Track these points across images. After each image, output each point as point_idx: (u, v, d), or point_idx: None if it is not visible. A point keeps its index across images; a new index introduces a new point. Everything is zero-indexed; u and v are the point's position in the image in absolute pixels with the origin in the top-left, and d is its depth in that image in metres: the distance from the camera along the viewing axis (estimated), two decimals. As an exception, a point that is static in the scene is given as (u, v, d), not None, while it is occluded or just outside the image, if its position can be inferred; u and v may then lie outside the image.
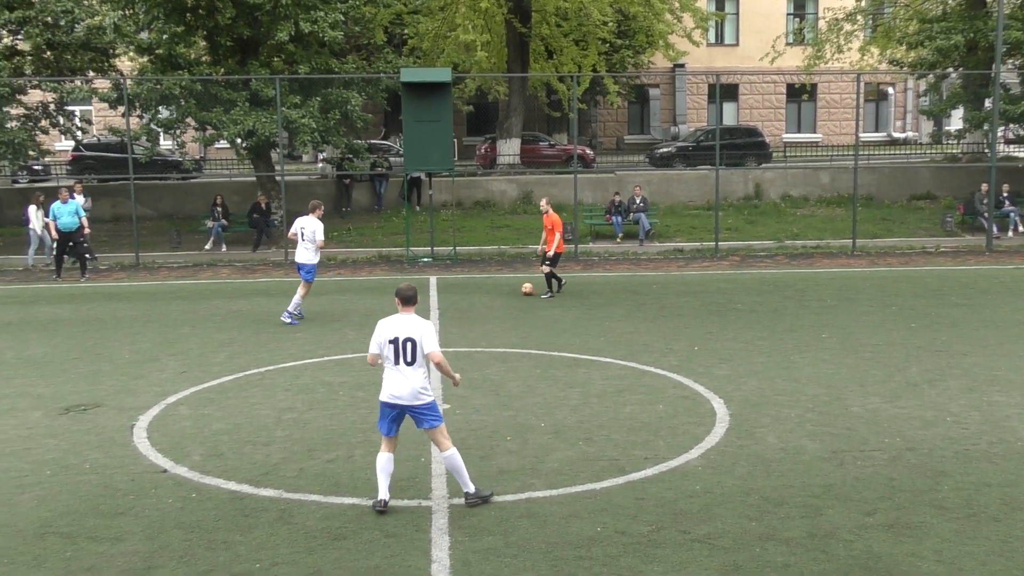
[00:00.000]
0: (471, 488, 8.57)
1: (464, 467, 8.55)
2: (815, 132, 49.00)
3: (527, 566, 7.38)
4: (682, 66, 46.75)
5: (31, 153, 28.87)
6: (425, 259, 24.69)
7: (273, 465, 9.65)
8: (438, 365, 8.50)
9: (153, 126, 27.18)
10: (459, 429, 10.64)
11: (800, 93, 45.45)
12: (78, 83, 28.33)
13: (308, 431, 10.77)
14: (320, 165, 36.54)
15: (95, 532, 8.11)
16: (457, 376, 8.85)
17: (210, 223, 27.23)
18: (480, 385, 12.54)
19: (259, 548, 7.74)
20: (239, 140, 26.60)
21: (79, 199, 24.11)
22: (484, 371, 13.27)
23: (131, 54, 28.63)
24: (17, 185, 34.11)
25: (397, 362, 8.41)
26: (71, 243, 22.56)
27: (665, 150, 38.15)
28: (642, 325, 16.44)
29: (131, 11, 26.69)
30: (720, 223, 26.47)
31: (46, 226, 23.53)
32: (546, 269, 19.25)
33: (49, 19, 27.15)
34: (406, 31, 33.80)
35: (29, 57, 28.82)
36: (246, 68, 26.77)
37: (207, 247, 26.88)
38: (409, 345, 8.40)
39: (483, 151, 38.14)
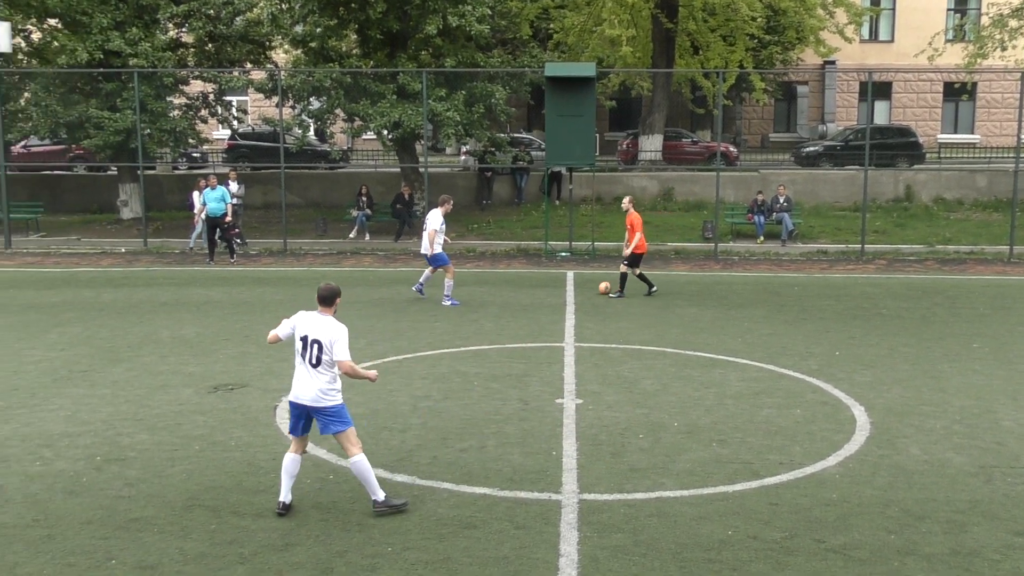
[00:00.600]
0: (379, 496, 8.27)
1: (372, 474, 8.26)
2: (973, 133, 46.95)
3: (655, 566, 7.33)
4: (832, 63, 45.41)
5: (191, 141, 30.20)
6: (563, 254, 24.74)
7: (408, 451, 9.85)
8: (347, 374, 8.25)
9: (304, 116, 28.02)
10: (591, 425, 10.65)
11: (959, 92, 43.59)
12: (236, 74, 29.45)
13: (442, 420, 10.94)
14: (463, 158, 37.02)
15: (238, 507, 8.44)
16: (372, 373, 8.67)
17: (355, 212, 27.91)
18: (613, 382, 12.51)
19: (391, 532, 7.92)
20: (385, 132, 27.17)
21: (233, 186, 25.05)
22: (618, 368, 13.23)
23: (286, 46, 29.60)
24: (177, 172, 35.73)
25: (302, 360, 8.24)
26: (218, 228, 23.47)
27: (812, 149, 37.19)
28: (781, 327, 16.10)
29: (287, 4, 27.57)
30: (867, 225, 25.66)
31: (199, 211, 24.56)
32: (624, 268, 18.92)
33: (211, 12, 28.31)
34: (552, 25, 33.91)
35: (192, 49, 30.16)
36: (394, 61, 27.33)
37: (351, 235, 27.57)
38: (315, 347, 8.16)
39: (625, 147, 37.94)
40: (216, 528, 8.01)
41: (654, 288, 18.80)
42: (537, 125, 41.35)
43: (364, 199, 27.87)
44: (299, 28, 27.99)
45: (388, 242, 26.82)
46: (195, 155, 37.48)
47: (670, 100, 36.33)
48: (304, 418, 8.35)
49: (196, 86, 31.61)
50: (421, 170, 28.06)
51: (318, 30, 27.27)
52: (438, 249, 17.82)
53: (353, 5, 26.69)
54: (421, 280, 18.44)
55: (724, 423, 10.82)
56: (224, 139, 38.65)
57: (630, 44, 31.18)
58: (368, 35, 27.40)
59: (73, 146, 33.28)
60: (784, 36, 38.34)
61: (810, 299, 18.78)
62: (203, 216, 23.56)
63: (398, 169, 30.95)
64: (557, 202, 30.78)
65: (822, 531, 7.96)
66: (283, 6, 27.51)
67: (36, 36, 30.41)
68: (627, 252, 18.65)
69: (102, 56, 27.04)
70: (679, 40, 34.47)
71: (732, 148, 38.06)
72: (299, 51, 28.84)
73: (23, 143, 35.91)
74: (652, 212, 30.25)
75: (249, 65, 30.41)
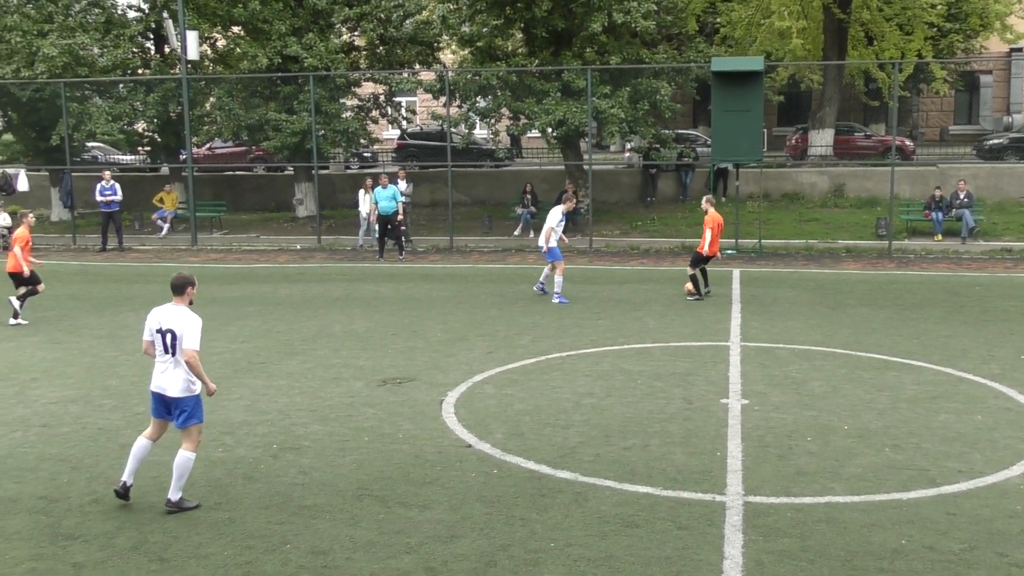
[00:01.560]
0: (175, 496, 8.36)
1: (186, 476, 8.36)
2: None
3: (824, 573, 7.13)
4: (1020, 50, 42.99)
5: (362, 141, 31.16)
6: (729, 251, 24.32)
7: (571, 448, 9.89)
8: (188, 363, 8.23)
9: (472, 114, 28.49)
10: (757, 426, 10.44)
11: None
12: (405, 75, 30.19)
13: (605, 417, 10.94)
14: (627, 155, 36.87)
15: (405, 498, 8.66)
16: (212, 385, 8.57)
17: (519, 210, 28.18)
18: (781, 383, 12.22)
19: (554, 528, 7.97)
20: (550, 130, 27.33)
21: (402, 185, 25.71)
22: (785, 368, 12.92)
23: (453, 47, 30.17)
24: (349, 171, 36.92)
25: (164, 352, 8.33)
26: (389, 225, 24.10)
27: (996, 142, 35.34)
28: (961, 329, 15.37)
29: (456, 5, 28.09)
30: (1057, 222, 24.20)
31: (371, 210, 25.31)
32: (690, 270, 18.23)
33: (382, 15, 29.13)
34: (719, 19, 33.36)
35: (364, 52, 31.13)
36: (559, 59, 27.45)
37: (516, 233, 27.85)
38: (169, 337, 8.27)
39: (794, 141, 36.96)
40: (384, 517, 8.25)
41: (708, 291, 18.28)
42: (703, 121, 40.77)
43: (528, 197, 28.11)
44: (466, 28, 28.47)
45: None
46: (366, 155, 38.67)
47: (842, 93, 35.13)
48: (163, 404, 8.50)
49: (367, 88, 32.59)
50: (585, 168, 28.10)
51: (484, 29, 27.66)
52: (553, 244, 17.97)
53: (519, 4, 26.95)
54: (541, 279, 18.69)
55: (898, 428, 10.42)
56: (394, 139, 39.70)
57: (800, 36, 30.33)
58: (533, 33, 27.62)
59: (253, 147, 34.86)
60: (967, 23, 36.49)
61: (992, 300, 17.86)
62: (375, 214, 24.26)
63: (562, 167, 31.09)
64: (723, 199, 30.27)
65: (1005, 544, 7.56)
66: (451, 7, 28.04)
67: (221, 43, 32.04)
68: (704, 251, 17.90)
69: (280, 61, 28.22)
70: (852, 30, 33.30)
71: (908, 142, 36.54)
72: (466, 51, 29.34)
73: (208, 145, 37.87)
74: (822, 209, 29.41)
75: (418, 66, 31.14)
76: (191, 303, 8.57)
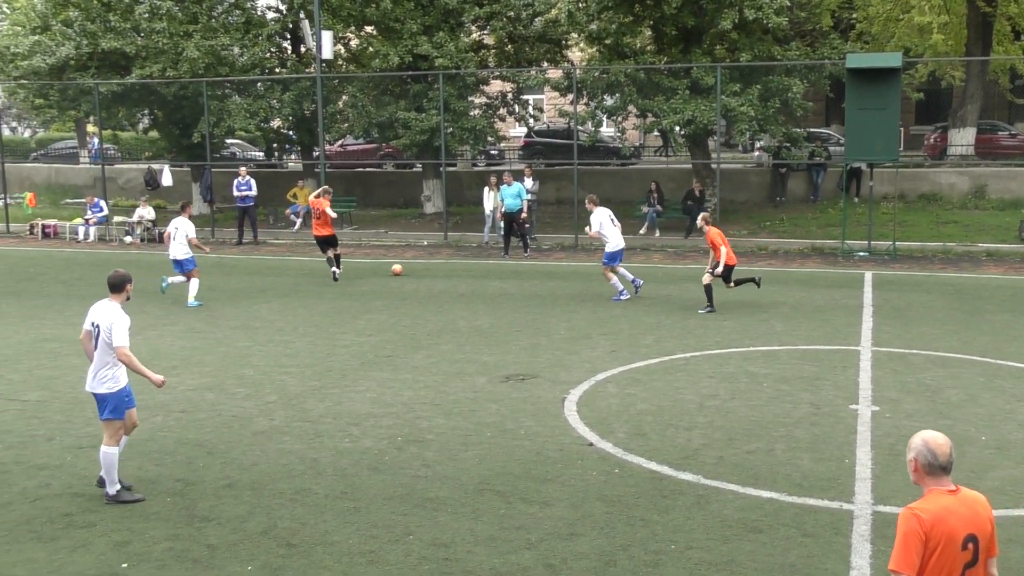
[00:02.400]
0: (111, 491, 8.50)
1: (115, 469, 8.47)
2: None
3: (956, 588, 6.88)
4: None
5: (489, 139, 31.44)
6: (861, 253, 23.65)
7: (693, 450, 9.79)
8: (121, 360, 8.33)
9: (599, 112, 28.42)
10: (887, 434, 10.14)
11: None
12: (533, 73, 30.32)
13: (730, 420, 10.78)
14: (756, 154, 36.22)
15: (526, 494, 8.71)
16: (156, 377, 8.56)
17: (645, 208, 27.99)
18: (914, 390, 11.84)
19: (675, 530, 7.90)
20: (677, 128, 27.07)
21: (528, 182, 25.83)
22: (919, 375, 12.50)
23: (581, 44, 30.14)
24: (476, 168, 37.29)
25: (94, 347, 8.44)
26: (514, 223, 24.24)
27: None
28: (1111, 339, 14.61)
29: (584, 2, 28.06)
30: None
31: (496, 207, 25.51)
32: (705, 277, 17.23)
33: (511, 14, 29.34)
34: (855, 15, 32.44)
35: (492, 50, 31.41)
36: (688, 57, 27.15)
37: (641, 232, 27.67)
38: (97, 331, 8.38)
39: (932, 140, 35.68)
40: (505, 513, 8.31)
41: (758, 278, 17.69)
42: (836, 119, 39.70)
43: (655, 195, 27.90)
44: (594, 25, 28.42)
45: (678, 239, 26.70)
46: (493, 152, 38.99)
47: (985, 90, 33.75)
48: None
49: (495, 86, 32.85)
50: (713, 166, 27.73)
51: (613, 26, 27.57)
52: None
53: (648, 1, 26.76)
54: (628, 280, 18.44)
55: (1040, 440, 9.97)
56: (520, 137, 39.91)
57: (941, 31, 29.24)
58: (662, 31, 27.39)
59: (384, 145, 35.54)
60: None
61: None
62: (501, 212, 24.46)
63: (689, 165, 30.74)
64: (856, 199, 29.46)
65: None
66: (580, 4, 28.02)
67: (354, 43, 32.77)
68: (718, 271, 16.81)
69: (411, 60, 28.69)
70: (998, 25, 31.94)
71: (1057, 141, 34.85)
72: (594, 48, 29.27)
73: (340, 142, 38.79)
74: (962, 210, 28.33)
75: (546, 64, 31.23)
76: (128, 299, 8.72)
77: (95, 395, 8.58)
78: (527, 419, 10.90)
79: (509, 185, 24.23)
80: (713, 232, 17.11)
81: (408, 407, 11.39)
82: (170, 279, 18.59)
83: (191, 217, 18.82)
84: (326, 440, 10.23)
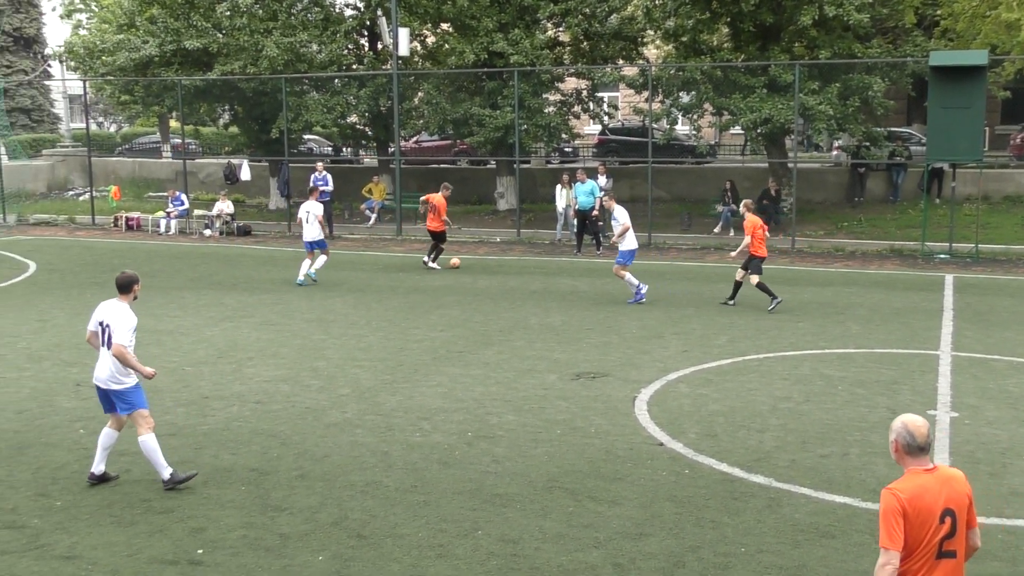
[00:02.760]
0: (165, 475, 8.75)
1: (158, 453, 8.70)
2: None
3: (1036, 601, 6.72)
4: None
5: (563, 136, 31.40)
6: (942, 255, 23.13)
7: (765, 452, 9.68)
8: (116, 356, 8.53)
9: (674, 110, 28.21)
10: (967, 441, 9.92)
11: None
12: (608, 70, 30.21)
13: (803, 422, 10.64)
14: (835, 153, 35.60)
15: (595, 493, 8.70)
16: (147, 370, 8.73)
17: (720, 207, 27.72)
18: (995, 396, 11.55)
19: (745, 533, 7.83)
20: (754, 126, 26.75)
21: (601, 180, 25.74)
22: (1001, 381, 12.19)
23: (657, 42, 29.94)
24: (549, 166, 37.27)
25: (102, 345, 8.71)
26: (587, 221, 24.18)
27: None
28: None
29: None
30: None
31: (569, 204, 25.47)
32: (752, 278, 16.90)
33: (587, 10, 29.27)
34: (939, 11, 31.70)
35: (568, 47, 31.36)
36: (766, 54, 26.81)
37: (716, 231, 27.40)
38: (107, 331, 8.66)
39: (1018, 140, 34.71)
40: (574, 511, 8.31)
41: (778, 300, 16.72)
42: (918, 118, 38.83)
43: (729, 194, 27.61)
44: (671, 22, 28.21)
45: (752, 238, 26.34)
46: (567, 150, 38.92)
47: (1076, 89, 32.75)
48: (107, 399, 8.87)
49: (570, 83, 32.79)
50: (790, 166, 27.35)
51: (689, 23, 27.33)
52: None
53: (726, -2, 26.49)
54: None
55: None
56: (594, 134, 39.78)
57: (1031, 28, 28.42)
58: (740, 28, 27.07)
59: (458, 141, 35.71)
60: None
61: None
62: (574, 209, 24.43)
63: (765, 164, 30.36)
64: (937, 200, 28.81)
65: None
66: (656, 1, 27.83)
67: (430, 40, 32.95)
68: (734, 254, 16.72)
69: (486, 57, 28.79)
70: (1092, 21, 30.96)
71: None
72: (670, 45, 29.05)
73: (415, 138, 39.09)
74: (1048, 213, 27.55)
75: (621, 61, 31.09)
76: (135, 299, 8.97)
77: (110, 392, 8.79)
78: (597, 417, 10.88)
79: (582, 183, 24.19)
80: (752, 219, 16.94)
81: (478, 403, 11.45)
82: (303, 273, 19.90)
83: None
84: (397, 434, 10.33)
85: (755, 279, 16.89)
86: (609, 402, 11.47)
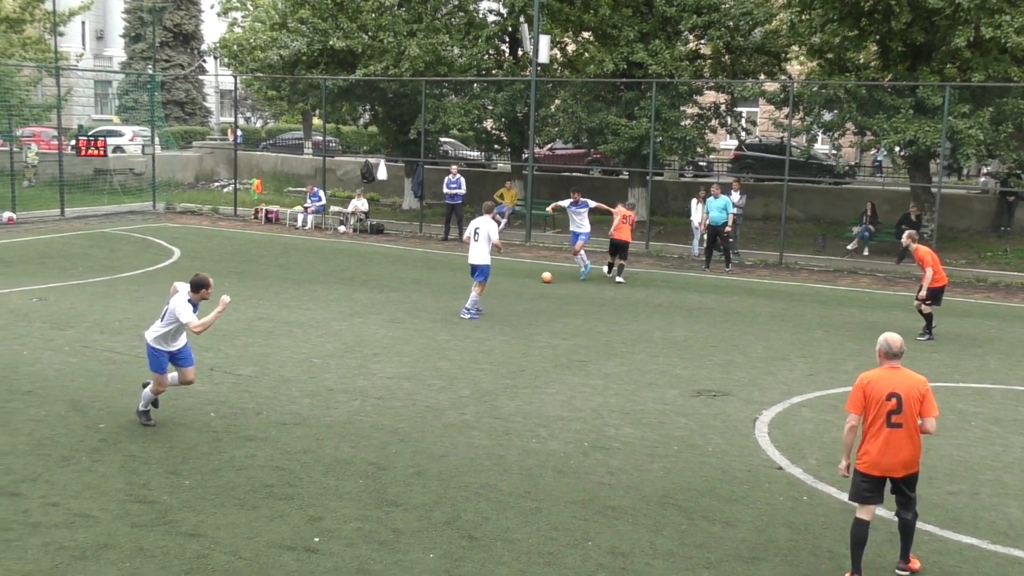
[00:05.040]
0: (139, 406, 10.60)
1: (146, 400, 10.55)
2: None
3: None
4: None
5: (698, 150, 31.08)
6: (1094, 292, 21.98)
7: (889, 485, 9.37)
8: (194, 331, 10.14)
9: (815, 127, 27.60)
10: (1109, 489, 9.40)
11: None
12: (749, 84, 29.76)
13: (931, 457, 10.25)
14: (982, 179, 34.29)
15: (709, 512, 8.59)
16: (219, 309, 10.18)
17: (856, 229, 26.98)
18: None
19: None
20: (897, 148, 25.95)
21: (735, 196, 25.37)
22: None
23: (801, 57, 29.32)
24: (683, 179, 36.92)
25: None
26: (718, 236, 23.88)
27: None
28: None
29: (808, 14, 27.31)
30: None
31: (702, 219, 25.18)
32: (924, 308, 16.16)
33: (730, 23, 28.90)
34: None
35: (708, 60, 31.03)
36: (915, 74, 25.98)
37: (850, 247, 26.64)
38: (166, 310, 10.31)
39: None
40: (686, 529, 8.22)
41: (932, 333, 16.28)
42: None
43: (868, 216, 26.85)
44: (816, 38, 27.62)
45: (889, 264, 25.59)
46: (701, 164, 38.49)
47: None
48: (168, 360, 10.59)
49: (709, 96, 32.43)
50: (933, 190, 26.44)
51: (836, 40, 26.70)
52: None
53: (876, 15, 25.76)
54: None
55: None
56: (730, 149, 39.24)
57: None
58: (889, 46, 26.30)
59: (591, 150, 35.71)
60: None
61: None
62: (705, 224, 24.16)
63: (908, 188, 29.41)
64: (1092, 234, 27.42)
65: None
66: (803, 16, 27.28)
67: (571, 48, 33.07)
68: (922, 293, 15.97)
69: (625, 66, 28.71)
70: None
71: None
72: (815, 62, 28.43)
73: (549, 146, 39.25)
74: None
75: (762, 76, 30.60)
76: (204, 299, 10.40)
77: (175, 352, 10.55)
78: (716, 436, 10.74)
79: (715, 197, 23.90)
80: (922, 250, 16.39)
81: (597, 413, 11.43)
82: (584, 266, 21.57)
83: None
84: (514, 439, 10.40)
85: (927, 308, 16.37)
86: (729, 421, 11.30)
